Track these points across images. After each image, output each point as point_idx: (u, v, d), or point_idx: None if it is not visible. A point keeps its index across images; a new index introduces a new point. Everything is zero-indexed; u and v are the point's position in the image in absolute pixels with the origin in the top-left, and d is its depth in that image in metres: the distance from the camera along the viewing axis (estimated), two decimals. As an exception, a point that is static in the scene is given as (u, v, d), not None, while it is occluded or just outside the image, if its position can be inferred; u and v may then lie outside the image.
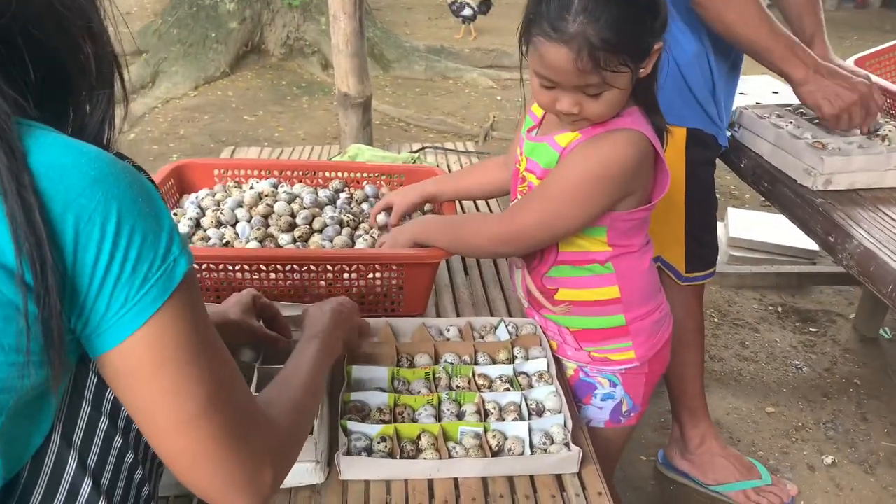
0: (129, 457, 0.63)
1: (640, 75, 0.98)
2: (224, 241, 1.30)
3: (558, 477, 0.99)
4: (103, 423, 0.61)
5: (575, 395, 1.20)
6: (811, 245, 2.72)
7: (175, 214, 1.35)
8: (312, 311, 0.99)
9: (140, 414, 0.57)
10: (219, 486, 0.60)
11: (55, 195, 0.48)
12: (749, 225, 2.87)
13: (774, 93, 2.01)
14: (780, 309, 2.67)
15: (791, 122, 1.56)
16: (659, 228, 1.53)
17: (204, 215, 1.35)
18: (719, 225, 2.55)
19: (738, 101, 1.69)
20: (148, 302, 0.52)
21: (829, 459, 2.01)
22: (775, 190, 1.51)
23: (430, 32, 6.39)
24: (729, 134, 1.62)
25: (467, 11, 5.98)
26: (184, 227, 1.31)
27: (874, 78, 1.55)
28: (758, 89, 2.03)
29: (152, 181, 0.58)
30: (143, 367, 0.54)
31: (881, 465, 1.99)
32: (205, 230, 1.32)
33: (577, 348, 1.18)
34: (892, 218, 1.33)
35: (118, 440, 0.62)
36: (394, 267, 1.21)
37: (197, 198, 1.42)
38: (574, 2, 0.91)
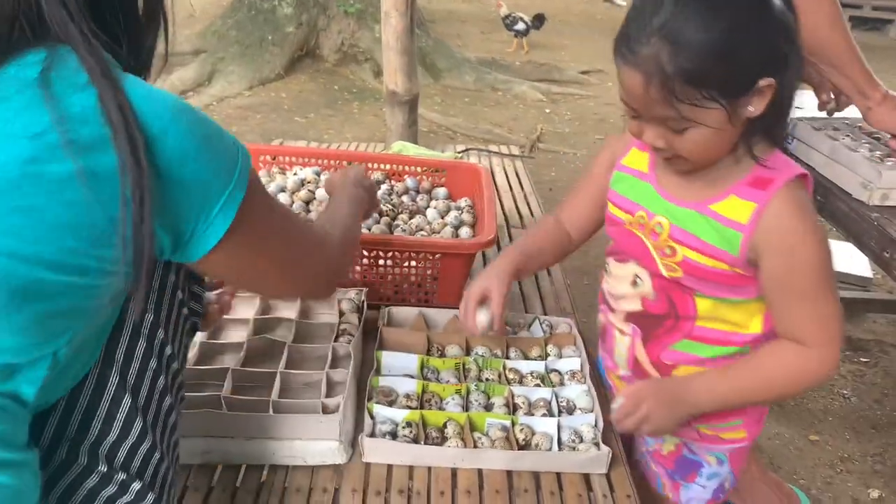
0: (161, 381, 0.66)
1: (750, 114, 0.81)
2: (264, 223, 1.31)
3: (586, 476, 0.96)
4: (141, 345, 0.65)
5: (676, 473, 1.06)
6: (865, 272, 2.62)
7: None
8: (334, 176, 1.12)
9: (239, 278, 0.71)
10: (310, 287, 0.84)
11: (152, 119, 0.54)
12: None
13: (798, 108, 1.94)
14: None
15: (848, 136, 1.50)
16: None
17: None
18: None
19: (793, 114, 1.64)
20: (238, 197, 0.61)
21: (875, 494, 1.91)
22: (828, 203, 1.46)
23: (483, 45, 6.41)
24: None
25: (520, 26, 6.01)
26: (226, 207, 1.32)
27: None
28: (813, 103, 1.96)
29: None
30: (254, 244, 0.65)
31: (931, 502, 1.89)
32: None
33: (684, 423, 1.00)
34: (953, 237, 1.27)
35: (153, 363, 0.65)
36: (429, 256, 1.20)
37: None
38: (653, 19, 0.78)
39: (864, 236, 1.34)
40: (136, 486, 0.62)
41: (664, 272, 0.93)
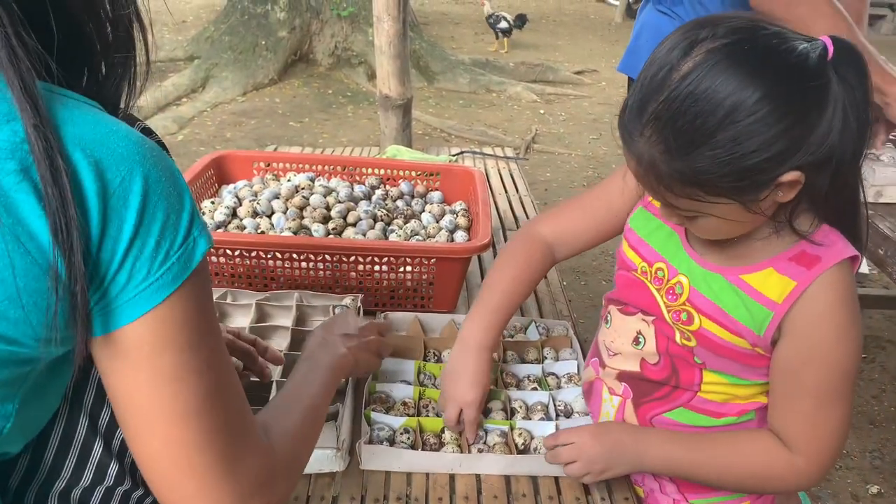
0: None
1: (779, 200, 0.71)
2: (259, 230, 1.31)
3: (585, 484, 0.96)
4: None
5: None
6: (862, 268, 2.62)
7: (213, 203, 1.37)
8: (318, 332, 0.90)
9: (130, 401, 0.52)
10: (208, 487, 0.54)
11: (85, 166, 0.47)
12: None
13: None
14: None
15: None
16: None
17: (241, 205, 1.37)
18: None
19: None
20: (168, 280, 0.50)
21: (874, 489, 1.92)
22: (824, 201, 1.46)
23: (476, 47, 6.42)
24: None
25: (503, 24, 6.14)
26: (220, 215, 1.32)
27: None
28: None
29: (172, 160, 0.56)
30: (148, 347, 0.51)
31: (930, 498, 1.89)
32: (241, 219, 1.34)
33: (677, 500, 0.94)
34: (947, 233, 1.27)
35: None
36: (424, 260, 1.20)
37: (235, 188, 1.43)
38: (649, 103, 0.69)
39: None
40: None
41: (678, 339, 0.85)
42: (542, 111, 5.00)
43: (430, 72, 5.36)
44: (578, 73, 5.68)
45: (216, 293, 1.17)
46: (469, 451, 0.96)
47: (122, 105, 0.58)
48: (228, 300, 1.17)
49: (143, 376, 0.51)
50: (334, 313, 1.15)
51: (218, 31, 5.34)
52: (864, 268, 2.91)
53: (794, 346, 0.78)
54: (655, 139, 0.69)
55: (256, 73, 5.11)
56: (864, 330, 2.51)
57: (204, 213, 1.34)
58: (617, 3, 7.95)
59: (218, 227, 1.30)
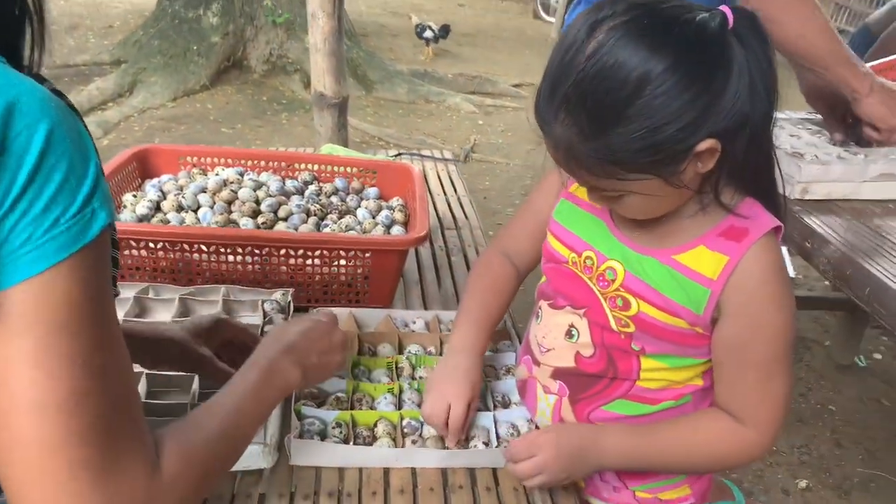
0: None
1: (700, 171, 0.71)
2: (184, 225, 1.25)
3: (522, 471, 0.93)
4: None
5: None
6: (788, 272, 2.72)
7: (135, 197, 1.30)
8: (272, 331, 0.83)
9: None
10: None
11: None
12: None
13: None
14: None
15: (784, 123, 1.56)
16: None
17: (165, 199, 1.30)
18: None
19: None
20: (52, 249, 0.45)
21: (803, 483, 1.97)
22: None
23: (415, 59, 6.43)
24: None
25: (428, 33, 6.38)
26: (142, 208, 1.25)
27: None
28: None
29: (83, 124, 0.52)
30: (16, 322, 0.45)
31: (856, 489, 1.96)
32: (164, 213, 1.27)
33: (617, 487, 0.94)
34: (867, 227, 1.32)
35: None
36: (360, 253, 1.16)
37: (159, 181, 1.37)
38: (559, 86, 0.68)
39: (790, 230, 1.38)
40: None
41: (614, 325, 0.84)
42: (480, 122, 5.04)
43: (368, 80, 5.33)
44: (517, 85, 5.75)
45: (136, 288, 1.10)
46: (403, 446, 0.92)
47: (25, 63, 0.54)
48: (150, 295, 1.10)
49: (14, 350, 0.45)
50: (263, 309, 1.10)
51: (147, 36, 5.17)
52: (790, 271, 3.01)
53: (735, 322, 0.78)
54: (569, 122, 0.69)
55: (187, 78, 4.96)
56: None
57: (125, 207, 1.27)
58: (553, 20, 8.14)
59: (140, 220, 1.23)
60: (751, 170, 0.76)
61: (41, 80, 0.52)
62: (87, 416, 0.47)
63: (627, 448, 0.85)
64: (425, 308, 1.28)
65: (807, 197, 1.41)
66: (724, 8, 0.69)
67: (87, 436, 0.47)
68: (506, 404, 1.02)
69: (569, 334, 0.89)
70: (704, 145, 0.69)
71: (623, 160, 0.68)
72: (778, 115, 0.75)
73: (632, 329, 0.83)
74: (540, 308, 0.95)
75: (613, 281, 0.84)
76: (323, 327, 0.86)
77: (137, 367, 0.89)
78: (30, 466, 0.46)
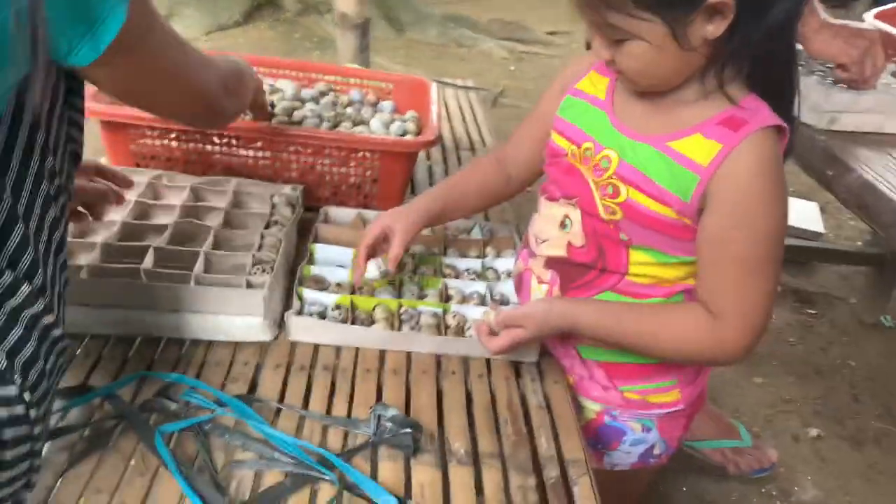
0: (53, 212, 0.60)
1: (709, 35, 0.70)
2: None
3: (515, 364, 0.95)
4: (34, 165, 0.58)
5: (598, 443, 0.99)
6: (817, 226, 2.68)
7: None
8: None
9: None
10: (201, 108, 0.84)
11: None
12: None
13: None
14: (778, 288, 2.63)
15: (802, 64, 1.51)
16: None
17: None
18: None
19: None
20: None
21: (814, 432, 1.96)
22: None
23: (447, 3, 6.32)
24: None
25: None
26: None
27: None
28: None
29: None
30: (142, 51, 0.65)
31: (869, 442, 1.94)
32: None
33: (606, 387, 0.95)
34: (892, 157, 1.28)
35: (45, 186, 0.59)
36: (368, 154, 1.17)
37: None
38: None
39: (809, 155, 1.35)
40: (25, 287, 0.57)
41: (602, 213, 0.84)
42: (511, 68, 4.96)
43: (399, 22, 5.26)
44: (551, 33, 5.63)
45: (151, 174, 1.12)
46: (400, 329, 0.94)
47: None
48: (164, 181, 1.12)
49: (141, 77, 0.69)
50: (272, 202, 1.12)
51: (182, -31, 5.15)
52: (820, 226, 2.93)
53: (720, 211, 0.77)
54: None
55: (221, 14, 4.95)
56: (815, 287, 2.54)
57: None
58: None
59: (157, 114, 1.25)
60: (766, 60, 0.74)
61: None
62: (193, 62, 0.77)
63: (600, 331, 0.86)
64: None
65: (834, 127, 1.37)
66: None
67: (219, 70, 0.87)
68: (504, 302, 1.03)
69: (562, 224, 0.89)
70: None
71: None
72: None
73: (619, 216, 0.83)
74: (539, 202, 0.95)
75: (607, 169, 0.83)
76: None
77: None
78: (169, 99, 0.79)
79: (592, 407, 0.97)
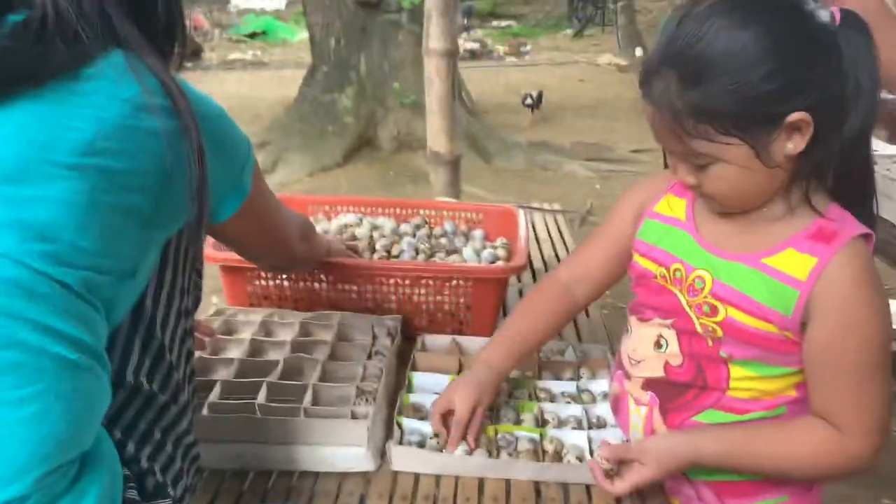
0: (188, 343, 0.75)
1: (790, 152, 0.73)
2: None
3: (616, 489, 0.93)
4: (176, 304, 0.72)
5: None
6: None
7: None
8: None
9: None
10: (285, 254, 1.06)
11: (198, 102, 0.68)
12: None
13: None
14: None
15: (888, 169, 1.49)
16: None
17: (292, 240, 1.44)
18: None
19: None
20: (251, 170, 0.80)
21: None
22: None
23: (531, 131, 6.61)
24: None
25: (528, 101, 6.69)
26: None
27: None
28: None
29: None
30: (257, 209, 0.84)
31: None
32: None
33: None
34: None
35: (182, 322, 0.73)
36: (461, 282, 1.23)
37: (288, 226, 1.52)
38: (668, 45, 0.74)
39: (882, 242, 1.30)
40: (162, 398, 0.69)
41: (700, 331, 0.85)
42: (597, 186, 5.06)
43: (487, 153, 5.53)
44: (635, 151, 5.74)
45: (263, 313, 1.22)
46: (498, 457, 0.95)
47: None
48: (275, 319, 1.22)
49: (253, 230, 0.89)
50: (374, 332, 1.19)
51: (289, 119, 5.71)
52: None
53: (827, 324, 0.77)
54: (669, 73, 0.73)
55: (323, 156, 5.38)
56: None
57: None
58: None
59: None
60: (845, 171, 0.77)
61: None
62: (282, 214, 0.97)
63: (728, 461, 0.85)
64: (527, 340, 1.31)
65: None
66: (834, 7, 0.74)
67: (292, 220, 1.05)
68: (601, 425, 1.02)
69: (658, 344, 0.90)
70: (796, 116, 0.71)
71: (715, 115, 0.72)
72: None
73: (720, 334, 0.83)
74: (629, 323, 0.96)
75: (702, 290, 0.84)
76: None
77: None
78: (269, 244, 1.01)
79: None
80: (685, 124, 0.74)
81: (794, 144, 0.73)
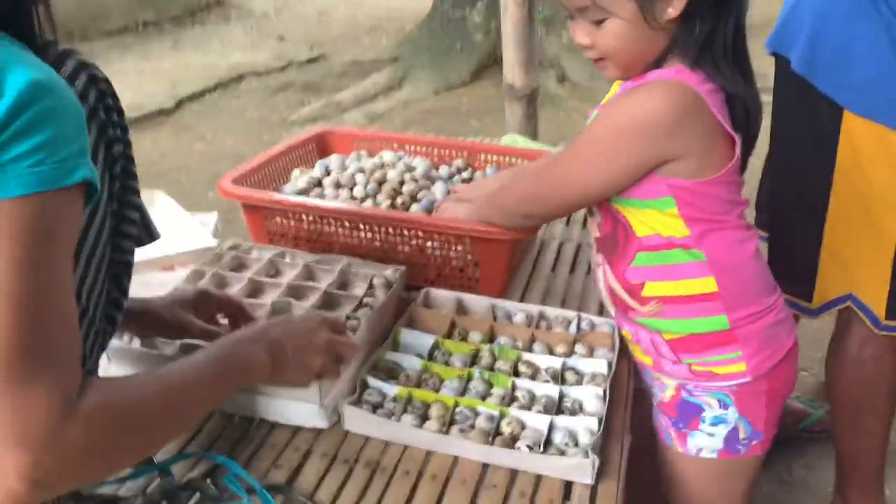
0: None
1: (670, 16, 0.85)
2: (316, 202, 1.34)
3: (568, 484, 0.87)
4: None
5: (680, 421, 1.01)
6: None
7: (300, 172, 1.45)
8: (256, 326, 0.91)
9: None
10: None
11: None
12: None
13: None
14: None
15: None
16: (856, 257, 1.27)
17: (329, 175, 1.44)
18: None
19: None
20: (34, 180, 0.54)
21: None
22: None
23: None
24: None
25: None
26: (302, 182, 1.40)
27: None
28: None
29: (106, 79, 0.65)
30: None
31: None
32: (323, 189, 1.40)
33: (674, 360, 0.99)
34: None
35: None
36: (465, 240, 1.17)
37: (328, 161, 1.50)
38: None
39: None
40: None
41: None
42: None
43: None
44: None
45: (275, 251, 1.24)
46: (449, 432, 0.91)
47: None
48: (286, 259, 1.23)
49: None
50: (371, 283, 1.17)
51: (420, 35, 5.63)
52: None
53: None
54: None
55: (450, 74, 5.30)
56: None
57: (290, 181, 1.43)
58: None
59: (298, 193, 1.38)
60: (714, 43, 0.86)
61: (69, 52, 0.64)
62: (11, 324, 0.53)
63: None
64: (543, 302, 1.23)
65: None
66: None
67: (7, 342, 0.53)
68: (573, 412, 0.95)
69: (590, 212, 1.04)
70: None
71: None
72: None
73: None
74: None
75: None
76: (306, 325, 0.86)
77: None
78: None
79: (670, 383, 1.02)
80: None
81: (674, 8, 0.84)
